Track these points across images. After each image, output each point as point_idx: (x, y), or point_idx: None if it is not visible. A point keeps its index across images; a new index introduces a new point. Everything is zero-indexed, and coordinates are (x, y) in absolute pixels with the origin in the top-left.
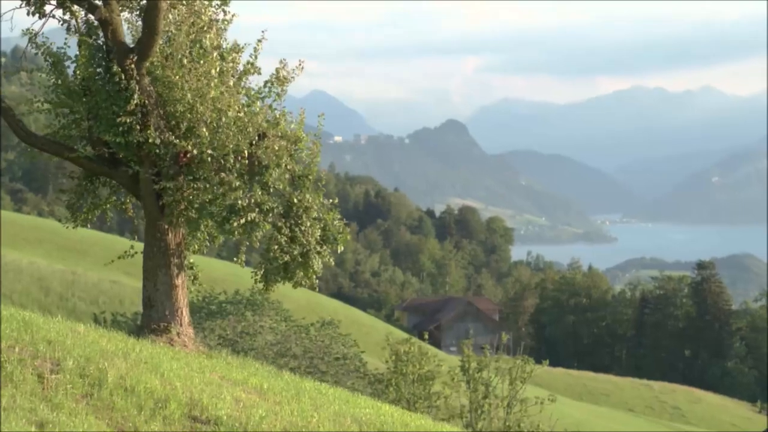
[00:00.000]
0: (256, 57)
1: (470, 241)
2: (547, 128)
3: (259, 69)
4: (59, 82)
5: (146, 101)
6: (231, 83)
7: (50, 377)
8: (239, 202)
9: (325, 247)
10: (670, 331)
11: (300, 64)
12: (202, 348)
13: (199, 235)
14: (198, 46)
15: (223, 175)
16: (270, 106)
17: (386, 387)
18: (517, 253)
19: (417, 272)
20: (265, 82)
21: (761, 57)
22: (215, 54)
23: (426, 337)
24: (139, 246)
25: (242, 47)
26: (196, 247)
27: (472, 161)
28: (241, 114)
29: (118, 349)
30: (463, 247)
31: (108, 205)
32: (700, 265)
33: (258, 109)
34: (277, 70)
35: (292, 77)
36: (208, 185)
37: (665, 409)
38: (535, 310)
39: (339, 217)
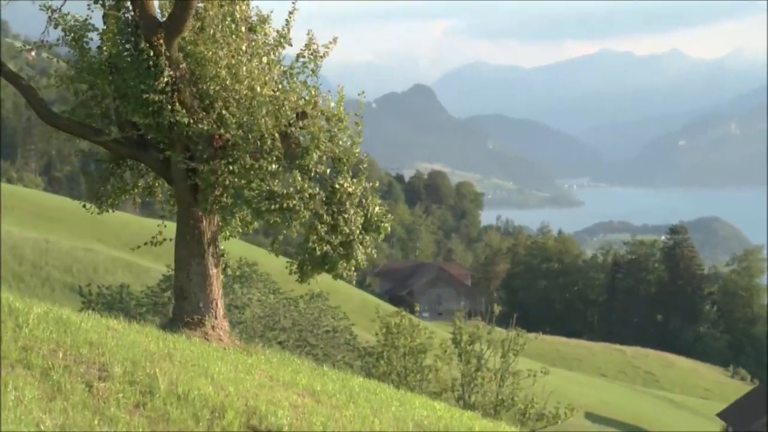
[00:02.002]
0: (288, 30)
1: (440, 206)
2: (514, 92)
3: (290, 40)
4: (79, 57)
5: (177, 79)
6: (264, 59)
7: (99, 385)
8: (277, 187)
9: (367, 237)
10: (642, 296)
11: (334, 39)
12: (238, 342)
13: (232, 221)
14: (230, 19)
15: (261, 161)
16: (305, 83)
17: (377, 360)
18: (486, 217)
19: (387, 237)
20: (297, 56)
21: (727, 21)
22: (244, 27)
23: (415, 310)
24: (168, 232)
25: (269, 17)
26: (227, 233)
27: (439, 126)
28: (277, 93)
29: (161, 350)
30: (432, 212)
31: (135, 190)
32: (673, 230)
33: (292, 86)
34: (306, 44)
35: (326, 51)
36: (244, 169)
37: (638, 374)
38: (506, 275)
39: (380, 202)
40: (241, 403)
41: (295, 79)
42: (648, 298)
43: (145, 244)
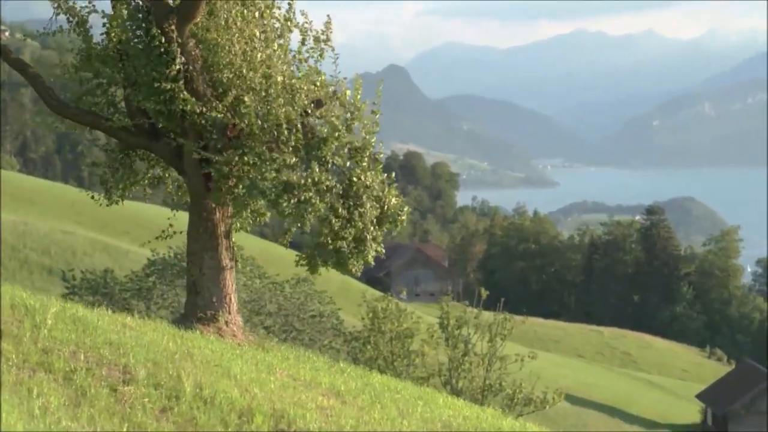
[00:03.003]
0: (293, 13)
1: (415, 186)
2: (488, 73)
3: (296, 24)
4: (83, 45)
5: (190, 66)
6: (275, 45)
7: (123, 389)
8: (294, 178)
9: (380, 230)
10: (619, 277)
11: (329, 20)
12: (252, 338)
13: (245, 213)
14: (240, 4)
15: (276, 153)
16: (315, 69)
17: (363, 345)
18: (462, 198)
19: None
20: (303, 40)
21: (702, 1)
22: (257, 13)
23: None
24: (179, 223)
25: (274, 1)
26: (238, 225)
27: (413, 106)
28: (293, 80)
29: (180, 349)
30: (408, 193)
31: (146, 181)
32: (649, 210)
33: (303, 72)
34: (304, 28)
35: (326, 34)
36: (259, 160)
37: (615, 354)
38: (483, 256)
39: (397, 194)
40: (267, 406)
41: (304, 64)
42: (625, 278)
43: (157, 238)
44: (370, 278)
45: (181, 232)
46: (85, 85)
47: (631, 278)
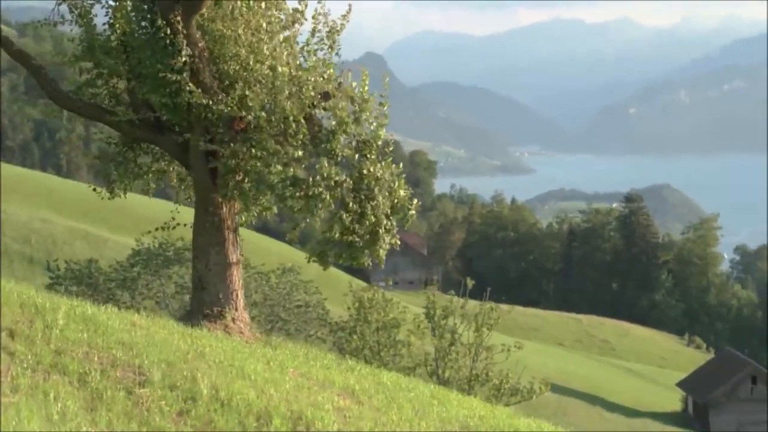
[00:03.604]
0: (305, 5)
1: None
2: (466, 60)
3: (305, 15)
4: (85, 35)
5: (196, 58)
6: (281, 37)
7: (139, 392)
8: (302, 173)
9: (392, 222)
10: (597, 265)
11: (347, 12)
12: (258, 334)
13: (252, 208)
14: None
15: (285, 145)
16: (324, 61)
17: (349, 335)
18: (439, 185)
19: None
20: (313, 31)
21: None
22: (264, 3)
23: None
24: (182, 217)
25: None
26: (243, 219)
27: (390, 94)
28: (300, 72)
29: (191, 348)
30: None
31: (150, 174)
32: (628, 198)
33: (311, 64)
34: (316, 19)
35: (342, 25)
36: (267, 154)
37: (594, 342)
38: (462, 244)
39: (406, 186)
40: (284, 407)
41: (313, 56)
42: (603, 266)
43: (156, 229)
44: (348, 266)
45: (184, 225)
46: (85, 76)
47: (610, 266)
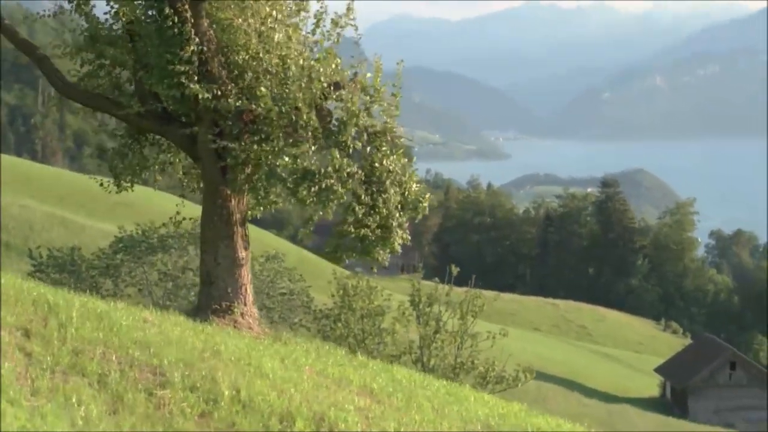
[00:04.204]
0: None
1: None
2: (440, 45)
3: (308, 5)
4: (86, 24)
5: (204, 48)
6: (289, 25)
7: (160, 394)
8: (314, 165)
9: (403, 216)
10: (574, 250)
11: (350, 5)
12: (267, 330)
13: (262, 201)
14: None
15: (296, 137)
16: (331, 51)
17: (334, 323)
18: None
19: None
20: (317, 22)
21: None
22: None
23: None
24: (189, 211)
25: None
26: (251, 212)
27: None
28: (312, 62)
29: (206, 346)
30: None
31: (156, 166)
32: (604, 183)
33: (319, 55)
34: (319, 11)
35: (353, 19)
36: (277, 146)
37: (571, 327)
38: (438, 229)
39: (418, 179)
40: (306, 408)
41: (319, 46)
42: (580, 251)
43: (164, 224)
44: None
45: (191, 219)
46: (87, 66)
47: (586, 251)
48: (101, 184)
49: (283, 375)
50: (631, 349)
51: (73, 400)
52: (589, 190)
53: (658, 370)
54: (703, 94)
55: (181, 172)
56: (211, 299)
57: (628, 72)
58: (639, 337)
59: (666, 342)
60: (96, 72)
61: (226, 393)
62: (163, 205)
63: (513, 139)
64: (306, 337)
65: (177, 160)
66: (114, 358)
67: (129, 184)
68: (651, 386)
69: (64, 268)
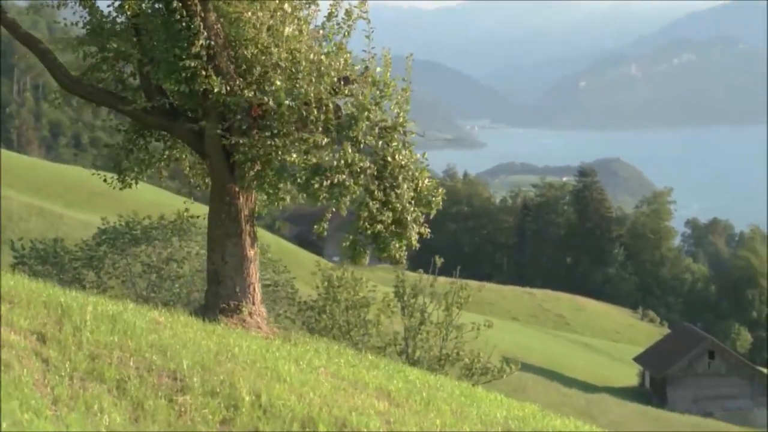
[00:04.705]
0: None
1: None
2: (415, 34)
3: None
4: (90, 17)
5: (212, 42)
6: (298, 19)
7: (180, 400)
8: (326, 160)
9: (418, 211)
10: (551, 239)
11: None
12: (276, 329)
13: (273, 198)
14: None
15: (305, 134)
16: (341, 45)
17: (319, 314)
18: None
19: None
20: (329, 15)
21: None
22: None
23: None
24: (196, 208)
25: None
26: (259, 209)
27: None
28: (322, 57)
29: (220, 348)
30: None
31: (162, 163)
32: (581, 172)
33: (329, 48)
34: (333, 3)
35: (365, 12)
36: (288, 142)
37: (549, 317)
38: None
39: (429, 174)
40: (326, 412)
41: (330, 40)
42: (557, 240)
43: (173, 221)
44: (302, 241)
45: (198, 216)
46: (89, 60)
47: (564, 240)
48: (105, 180)
49: (300, 378)
50: (608, 338)
51: (95, 408)
52: (564, 179)
53: (637, 359)
54: (679, 83)
55: (187, 169)
56: (218, 298)
57: (604, 61)
58: (616, 326)
59: (643, 331)
60: (99, 65)
61: (247, 398)
62: (142, 195)
63: (488, 127)
64: (295, 330)
65: (183, 156)
66: (131, 362)
67: (133, 181)
68: (630, 375)
69: (46, 260)
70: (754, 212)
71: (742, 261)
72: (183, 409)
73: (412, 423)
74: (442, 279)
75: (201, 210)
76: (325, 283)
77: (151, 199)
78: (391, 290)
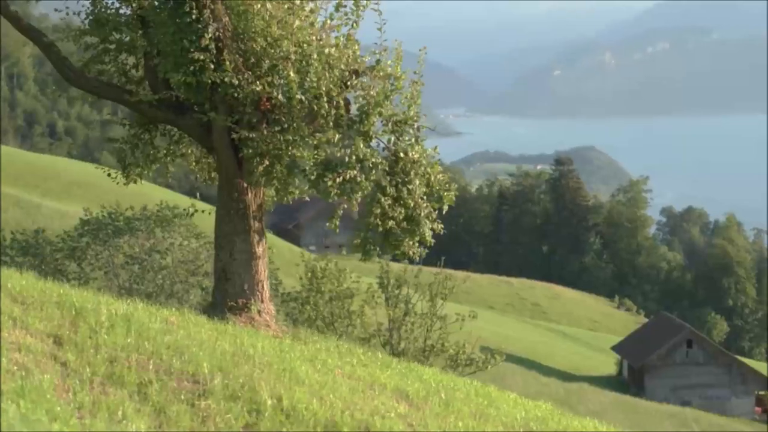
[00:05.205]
0: None
1: None
2: (390, 23)
3: None
4: (92, 8)
5: (221, 35)
6: (307, 10)
7: (202, 405)
8: (337, 156)
9: (430, 207)
10: (527, 228)
11: None
12: (285, 327)
13: (283, 193)
14: None
15: (316, 129)
16: (349, 36)
17: (302, 306)
18: None
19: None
20: (337, 6)
21: None
22: None
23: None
24: (202, 204)
25: None
26: (267, 204)
27: None
28: (333, 49)
29: (237, 350)
30: None
31: (168, 158)
32: (558, 161)
33: (336, 41)
34: None
35: (376, 2)
36: (298, 136)
37: (525, 306)
38: None
39: (442, 170)
40: (348, 416)
41: (336, 32)
42: (533, 229)
43: (176, 216)
44: (279, 230)
45: (203, 212)
46: (91, 51)
47: (540, 229)
48: (109, 175)
49: (319, 380)
50: (585, 327)
51: (119, 414)
52: (539, 167)
53: (615, 348)
54: (653, 72)
55: (193, 164)
56: (226, 296)
57: (578, 49)
58: (593, 314)
59: (620, 320)
60: (101, 57)
61: (269, 402)
62: (119, 184)
63: (463, 116)
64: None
65: (190, 151)
66: (150, 366)
67: (138, 176)
68: (608, 364)
69: (27, 251)
70: (729, 201)
71: (718, 249)
72: (206, 415)
73: (434, 426)
74: (426, 270)
75: (161, 194)
76: (309, 274)
77: (130, 189)
78: (375, 281)
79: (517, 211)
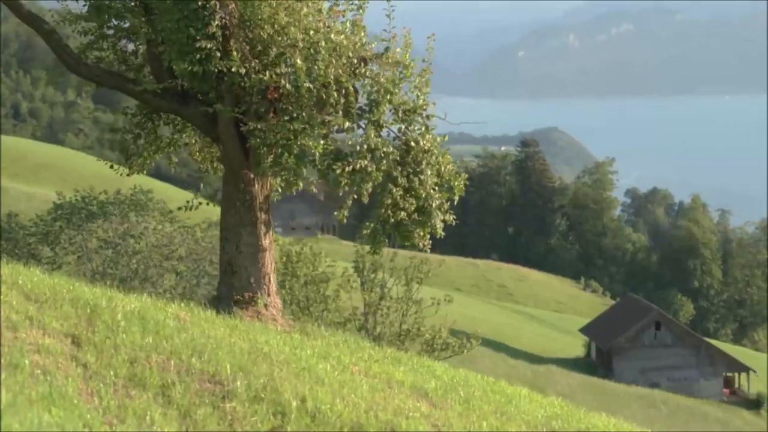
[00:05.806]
0: None
1: None
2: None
3: None
4: None
5: (228, 22)
6: None
7: (226, 407)
8: (348, 145)
9: (441, 197)
10: (493, 209)
11: None
12: (292, 321)
13: (290, 183)
14: None
15: (327, 117)
16: (356, 22)
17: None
18: None
19: None
20: None
21: None
22: None
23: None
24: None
25: None
26: (274, 195)
27: None
28: (342, 37)
29: (252, 348)
30: None
31: (171, 148)
32: (524, 142)
33: (343, 27)
34: None
35: None
36: (307, 126)
37: (492, 287)
38: None
39: (451, 159)
40: (372, 417)
41: (344, 18)
42: (499, 210)
43: (179, 209)
44: None
45: (207, 204)
46: (88, 36)
47: (506, 210)
48: (111, 167)
49: (339, 379)
50: (551, 309)
51: (147, 419)
52: (503, 148)
53: (583, 330)
54: (617, 53)
55: (196, 153)
56: (232, 289)
57: (542, 30)
58: (559, 296)
59: (587, 301)
60: (98, 43)
61: (293, 404)
62: (86, 166)
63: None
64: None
65: (193, 140)
66: (171, 366)
67: (140, 167)
68: (575, 346)
69: (0, 236)
70: (693, 182)
71: (683, 231)
72: (231, 418)
73: (459, 426)
74: (402, 253)
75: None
76: (284, 258)
77: (93, 171)
78: (350, 265)
79: (483, 192)
